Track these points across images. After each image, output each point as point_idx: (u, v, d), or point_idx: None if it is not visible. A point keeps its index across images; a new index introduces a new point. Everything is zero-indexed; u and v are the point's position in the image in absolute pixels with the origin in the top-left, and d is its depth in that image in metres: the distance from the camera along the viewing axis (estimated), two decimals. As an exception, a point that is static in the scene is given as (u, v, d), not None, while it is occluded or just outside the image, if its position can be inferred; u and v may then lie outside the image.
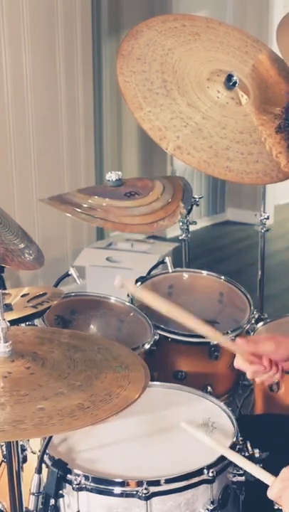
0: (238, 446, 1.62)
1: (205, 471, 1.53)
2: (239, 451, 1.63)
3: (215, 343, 2.12)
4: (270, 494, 1.34)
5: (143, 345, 2.07)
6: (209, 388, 2.18)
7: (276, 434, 1.86)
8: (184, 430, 1.57)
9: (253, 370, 1.61)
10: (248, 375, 1.65)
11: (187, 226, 2.59)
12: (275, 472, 1.39)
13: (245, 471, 1.57)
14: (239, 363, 1.62)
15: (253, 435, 1.67)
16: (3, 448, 1.54)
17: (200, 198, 2.48)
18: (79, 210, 1.90)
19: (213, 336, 1.68)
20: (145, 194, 2.01)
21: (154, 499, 1.49)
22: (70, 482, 1.53)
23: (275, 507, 1.42)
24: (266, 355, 1.61)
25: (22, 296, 1.90)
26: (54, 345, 1.51)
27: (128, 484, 1.50)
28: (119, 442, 1.66)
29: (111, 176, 2.01)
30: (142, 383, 1.41)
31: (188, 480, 1.52)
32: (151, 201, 1.99)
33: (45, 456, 1.60)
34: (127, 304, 2.31)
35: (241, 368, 1.63)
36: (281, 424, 1.94)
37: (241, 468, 1.56)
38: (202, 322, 1.58)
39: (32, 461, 1.70)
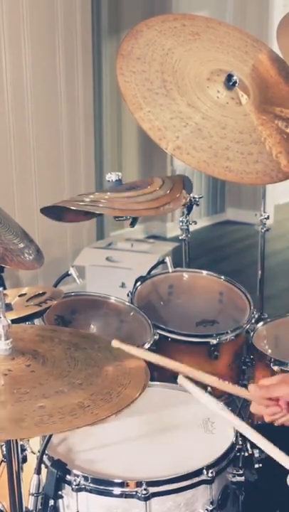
0: (237, 446, 1.62)
1: (204, 471, 1.53)
2: (239, 451, 1.63)
3: (214, 342, 2.13)
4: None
5: (143, 345, 2.07)
6: (209, 388, 2.17)
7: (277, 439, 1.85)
8: (181, 386, 1.50)
9: (270, 413, 1.46)
10: (266, 419, 1.48)
11: (187, 226, 2.58)
12: (274, 477, 1.39)
13: (244, 472, 1.57)
14: (255, 408, 1.48)
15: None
16: (3, 448, 1.54)
17: (200, 197, 2.48)
18: (83, 203, 1.90)
19: (217, 384, 1.54)
20: (144, 187, 2.00)
21: (154, 500, 1.49)
22: (70, 483, 1.53)
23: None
24: (282, 398, 1.45)
25: (20, 295, 1.90)
26: (54, 344, 1.51)
27: (127, 485, 1.50)
28: (119, 443, 1.66)
29: (111, 177, 2.01)
30: (142, 381, 1.41)
31: (188, 480, 1.52)
32: (153, 191, 1.98)
33: (44, 456, 1.60)
34: (127, 303, 2.30)
35: (258, 412, 1.49)
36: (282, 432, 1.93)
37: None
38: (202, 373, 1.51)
39: (32, 461, 1.70)
